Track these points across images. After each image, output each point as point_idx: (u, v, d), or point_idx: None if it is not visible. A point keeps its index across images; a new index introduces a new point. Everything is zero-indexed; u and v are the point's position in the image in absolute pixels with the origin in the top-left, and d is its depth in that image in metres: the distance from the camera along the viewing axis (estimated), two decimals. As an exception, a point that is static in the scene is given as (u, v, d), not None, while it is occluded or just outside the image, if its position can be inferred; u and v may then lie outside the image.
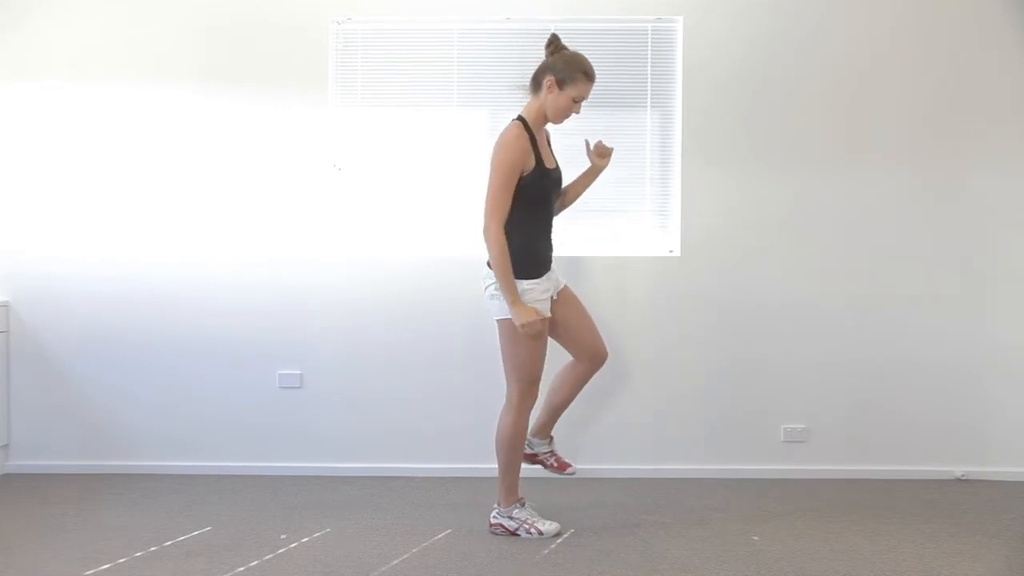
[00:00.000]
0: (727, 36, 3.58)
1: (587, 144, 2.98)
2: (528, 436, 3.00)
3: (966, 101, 3.57)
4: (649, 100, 3.64)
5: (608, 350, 2.96)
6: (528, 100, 2.81)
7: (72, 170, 3.62)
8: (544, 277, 2.78)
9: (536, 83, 2.78)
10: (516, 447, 2.80)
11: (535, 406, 2.88)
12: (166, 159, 3.62)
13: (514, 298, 2.67)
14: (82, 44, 3.61)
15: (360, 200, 3.66)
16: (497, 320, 2.77)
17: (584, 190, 2.99)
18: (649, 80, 3.63)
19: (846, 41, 3.58)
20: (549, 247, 2.84)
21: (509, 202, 2.68)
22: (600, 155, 2.96)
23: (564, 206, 3.00)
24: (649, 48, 3.63)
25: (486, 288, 2.78)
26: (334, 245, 3.64)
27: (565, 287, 2.92)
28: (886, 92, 3.58)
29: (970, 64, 3.57)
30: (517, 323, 2.67)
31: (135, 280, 3.62)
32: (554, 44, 2.77)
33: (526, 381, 2.78)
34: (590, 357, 2.92)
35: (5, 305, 3.62)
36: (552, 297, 2.82)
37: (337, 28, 3.64)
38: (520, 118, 2.77)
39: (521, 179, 2.69)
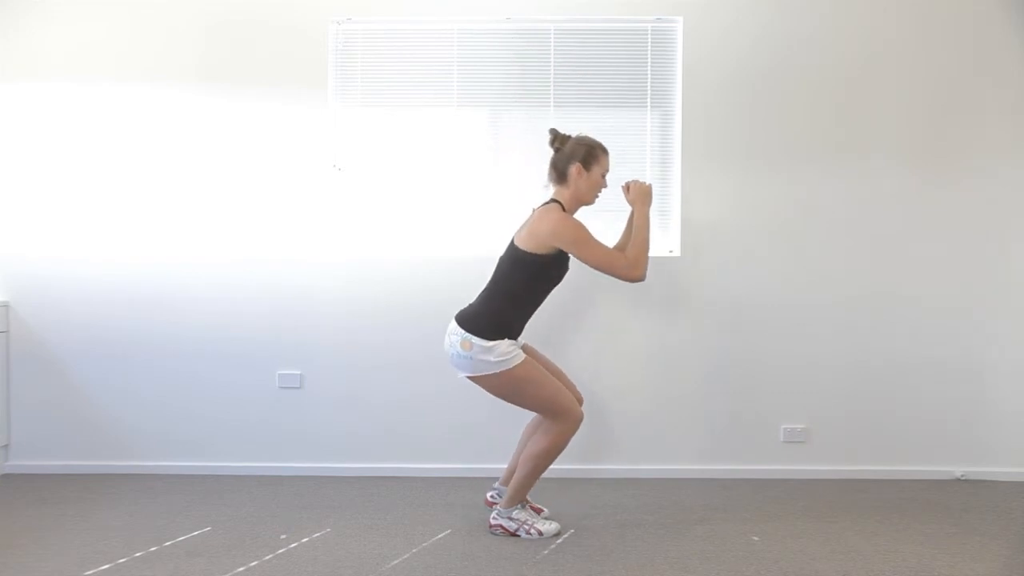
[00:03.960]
0: (727, 36, 3.58)
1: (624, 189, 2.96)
2: (498, 485, 3.02)
3: (966, 100, 3.57)
4: (649, 100, 3.64)
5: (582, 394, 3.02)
6: (554, 190, 2.86)
7: (72, 170, 3.62)
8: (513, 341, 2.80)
9: (561, 174, 2.83)
10: (543, 463, 2.77)
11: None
12: (166, 159, 3.62)
13: (646, 210, 2.84)
14: (82, 44, 3.61)
15: (360, 200, 3.66)
16: (471, 378, 2.75)
17: (634, 231, 2.86)
18: (649, 80, 3.63)
19: (846, 41, 3.58)
20: (523, 327, 2.85)
21: (607, 246, 2.75)
22: (627, 191, 2.93)
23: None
24: (649, 48, 3.63)
25: (450, 346, 2.75)
26: (334, 245, 3.64)
27: (525, 343, 2.94)
28: (885, 92, 3.58)
29: (969, 63, 3.57)
30: (649, 199, 2.88)
31: (135, 280, 3.62)
32: (559, 138, 2.86)
33: (557, 407, 2.74)
34: None
35: (5, 305, 3.62)
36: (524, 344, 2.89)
37: (337, 28, 3.64)
38: (556, 201, 2.82)
39: (545, 256, 2.72)
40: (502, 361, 2.68)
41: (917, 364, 3.59)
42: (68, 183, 3.63)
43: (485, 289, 2.84)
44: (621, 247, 2.97)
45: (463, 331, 2.72)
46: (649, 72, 3.64)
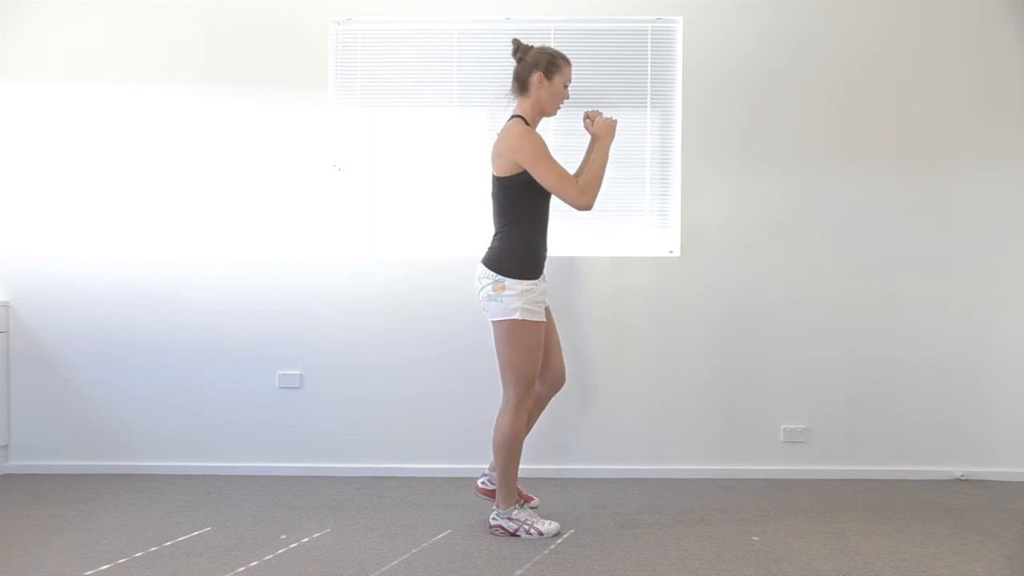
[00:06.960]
0: (727, 36, 3.59)
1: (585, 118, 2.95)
2: (488, 471, 3.02)
3: (966, 100, 3.57)
4: (649, 100, 3.64)
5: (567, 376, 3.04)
6: (516, 103, 2.86)
7: (72, 170, 3.62)
8: (541, 279, 2.80)
9: (522, 84, 2.83)
10: (514, 449, 2.80)
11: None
12: (166, 159, 3.62)
13: (606, 144, 2.80)
14: (82, 44, 3.61)
15: (360, 200, 3.66)
16: (493, 322, 2.77)
17: (589, 161, 2.86)
18: (649, 80, 3.63)
19: (845, 42, 3.58)
20: (546, 248, 2.85)
21: (566, 170, 2.73)
22: (589, 119, 2.91)
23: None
24: (649, 48, 3.63)
25: (481, 289, 2.77)
26: (334, 245, 3.64)
27: (547, 306, 2.94)
28: (885, 92, 3.58)
29: (970, 63, 3.57)
30: (613, 134, 2.82)
31: (135, 280, 3.62)
32: (521, 48, 2.84)
33: (523, 383, 2.77)
34: (552, 380, 2.98)
35: (5, 305, 3.62)
36: (546, 305, 2.86)
37: (337, 28, 3.64)
38: (518, 116, 2.80)
39: (522, 174, 2.72)
40: (526, 310, 2.70)
41: (917, 364, 3.59)
42: (68, 183, 3.63)
43: (494, 232, 2.84)
44: (576, 175, 2.87)
45: (494, 273, 2.73)
46: (649, 72, 3.64)
